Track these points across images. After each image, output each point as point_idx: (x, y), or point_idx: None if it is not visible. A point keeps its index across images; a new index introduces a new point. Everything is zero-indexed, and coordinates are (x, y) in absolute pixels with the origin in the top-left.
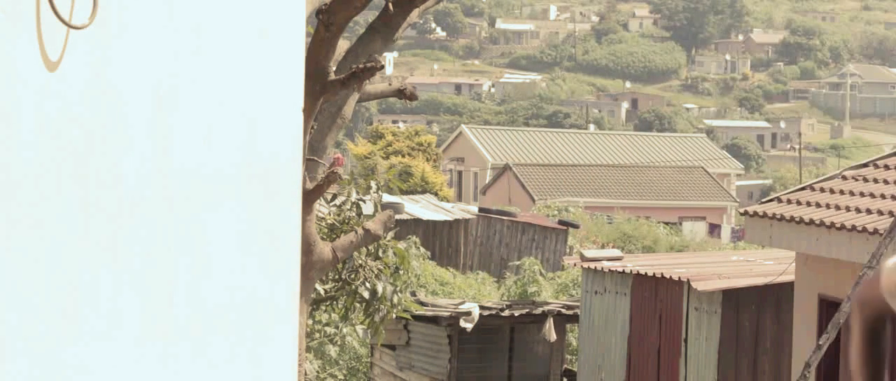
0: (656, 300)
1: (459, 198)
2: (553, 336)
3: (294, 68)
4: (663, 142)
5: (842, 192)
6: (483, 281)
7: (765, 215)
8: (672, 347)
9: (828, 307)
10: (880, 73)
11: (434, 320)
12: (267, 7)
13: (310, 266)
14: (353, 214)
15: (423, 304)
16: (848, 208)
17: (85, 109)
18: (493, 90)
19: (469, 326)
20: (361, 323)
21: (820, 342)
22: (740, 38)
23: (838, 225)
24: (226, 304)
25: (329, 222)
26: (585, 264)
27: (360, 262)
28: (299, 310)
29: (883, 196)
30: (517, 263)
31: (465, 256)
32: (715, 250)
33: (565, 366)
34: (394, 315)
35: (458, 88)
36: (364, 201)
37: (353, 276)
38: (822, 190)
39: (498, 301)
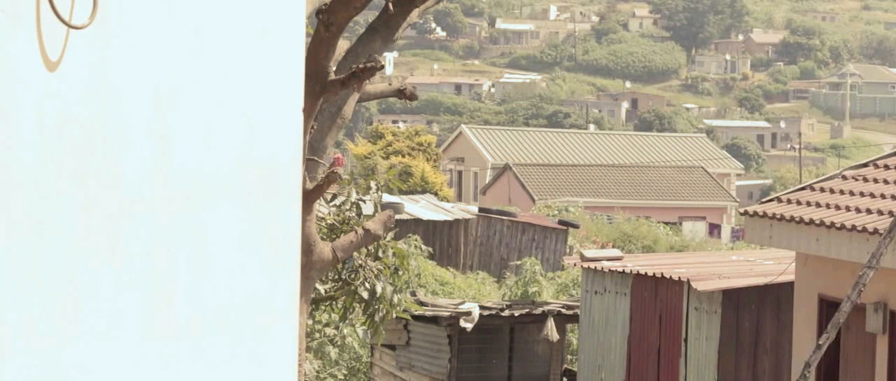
0: (656, 300)
1: (459, 198)
2: (555, 336)
3: (294, 68)
4: (663, 142)
5: (842, 192)
6: (483, 281)
7: (765, 215)
8: (672, 347)
9: (828, 307)
10: (880, 73)
11: (434, 320)
12: (267, 7)
13: (310, 266)
14: (353, 214)
15: (423, 304)
16: (848, 208)
17: (85, 109)
18: (493, 90)
19: (469, 326)
20: (362, 324)
21: (820, 342)
22: (740, 38)
23: (838, 225)
24: (226, 304)
25: (329, 222)
26: (585, 264)
27: (359, 262)
28: (299, 310)
29: (883, 196)
30: (517, 263)
31: (465, 256)
32: (715, 250)
33: (565, 366)
34: (394, 315)
35: (458, 88)
36: (364, 201)
37: (353, 276)
38: (822, 190)
39: (498, 301)
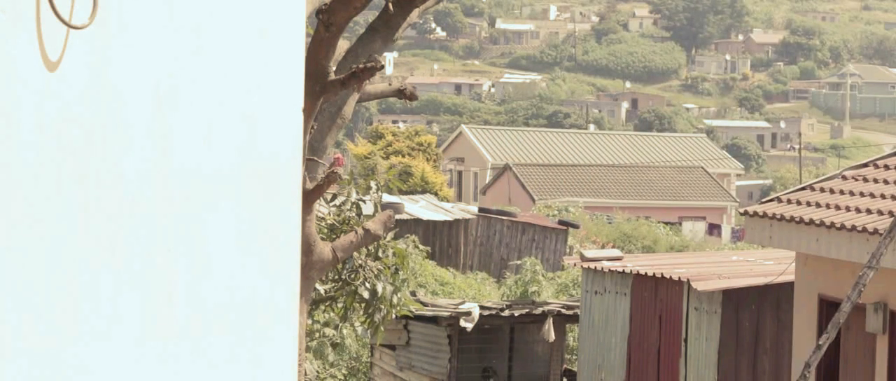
0: (656, 300)
1: (459, 198)
2: (552, 337)
3: (294, 68)
4: (663, 142)
5: (842, 192)
6: (483, 281)
7: (765, 215)
8: (672, 347)
9: (828, 307)
10: (880, 73)
11: (434, 320)
12: (267, 7)
13: (310, 266)
14: (353, 214)
15: (423, 304)
16: (848, 208)
17: (85, 109)
18: (493, 90)
19: (469, 326)
20: (362, 323)
21: (820, 342)
22: (740, 38)
23: (838, 225)
24: (226, 304)
25: (329, 222)
26: (585, 264)
27: (359, 262)
28: (299, 310)
29: (883, 196)
30: (517, 263)
31: (465, 256)
32: (715, 250)
33: (565, 366)
34: (394, 315)
35: (458, 88)
36: (364, 201)
37: (353, 276)
38: (822, 190)
39: (498, 301)
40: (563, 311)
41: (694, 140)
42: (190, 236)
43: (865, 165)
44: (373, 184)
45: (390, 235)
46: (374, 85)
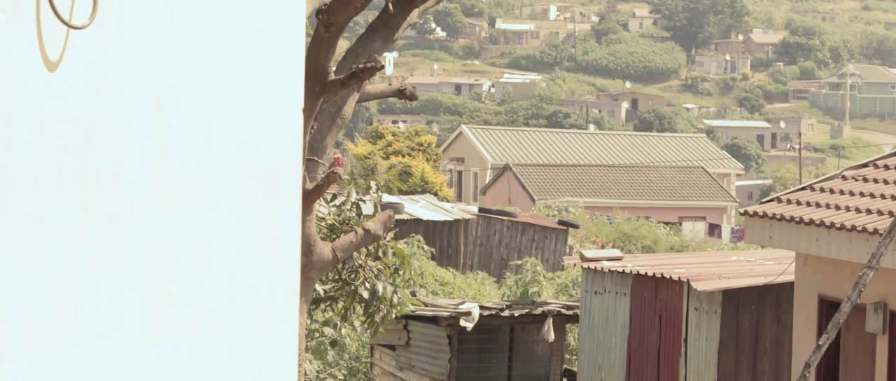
0: (656, 301)
1: (459, 198)
2: (551, 337)
3: (294, 68)
4: (663, 142)
5: (842, 192)
6: (483, 281)
7: (765, 216)
8: (672, 347)
9: (828, 307)
10: (880, 73)
11: (434, 320)
12: (267, 7)
13: (310, 266)
14: (353, 214)
15: (424, 304)
16: (848, 208)
17: (85, 109)
18: (492, 90)
19: (469, 326)
20: (362, 323)
21: (820, 342)
22: (740, 38)
23: (838, 225)
24: (226, 304)
25: (329, 222)
26: (585, 265)
27: (359, 262)
28: (299, 310)
29: (883, 196)
30: (517, 263)
31: (465, 256)
32: (715, 250)
33: (565, 366)
34: (394, 316)
35: (457, 88)
36: (364, 202)
37: (353, 276)
38: (822, 190)
39: (498, 301)
40: (563, 311)
41: (694, 140)
42: (190, 237)
43: (865, 165)
44: (373, 184)
45: (390, 235)
46: (374, 85)
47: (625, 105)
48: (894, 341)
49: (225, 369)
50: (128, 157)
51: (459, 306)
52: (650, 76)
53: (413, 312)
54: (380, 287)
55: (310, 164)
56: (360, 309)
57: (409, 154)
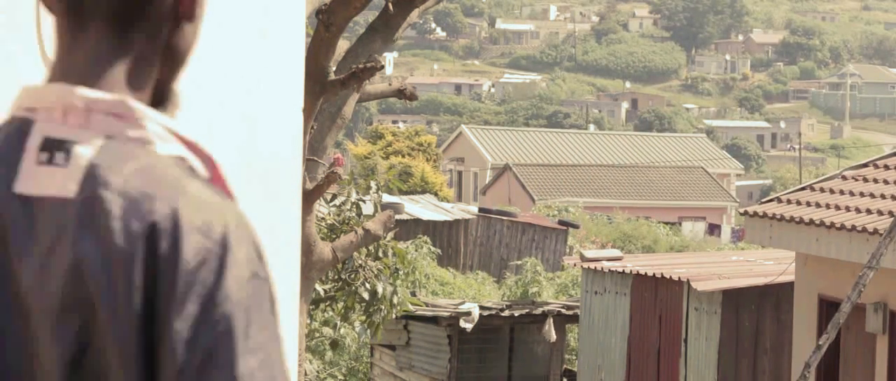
0: (656, 301)
1: (459, 198)
2: (553, 336)
3: (294, 68)
4: (663, 142)
5: (842, 192)
6: (483, 281)
7: (765, 216)
8: (672, 347)
9: (828, 308)
10: (880, 73)
11: (434, 320)
12: (266, 7)
13: (310, 267)
14: (353, 214)
15: (424, 304)
16: (848, 209)
17: None
18: (493, 90)
19: (469, 326)
20: (362, 323)
21: (820, 343)
22: (740, 38)
23: (838, 225)
24: None
25: (329, 222)
26: (585, 264)
27: (359, 262)
28: (299, 310)
29: (883, 196)
30: (517, 263)
31: (465, 256)
32: (715, 250)
33: (565, 366)
34: (394, 316)
35: (457, 88)
36: (364, 202)
37: (353, 276)
38: (822, 190)
39: (498, 301)
40: (563, 311)
41: (694, 140)
42: None
43: (865, 165)
44: (373, 184)
45: (390, 235)
46: (374, 85)
47: (625, 105)
48: (894, 341)
49: None
50: None
51: (459, 307)
52: (650, 76)
53: (413, 312)
54: (380, 287)
55: (310, 164)
56: (360, 309)
57: (409, 154)
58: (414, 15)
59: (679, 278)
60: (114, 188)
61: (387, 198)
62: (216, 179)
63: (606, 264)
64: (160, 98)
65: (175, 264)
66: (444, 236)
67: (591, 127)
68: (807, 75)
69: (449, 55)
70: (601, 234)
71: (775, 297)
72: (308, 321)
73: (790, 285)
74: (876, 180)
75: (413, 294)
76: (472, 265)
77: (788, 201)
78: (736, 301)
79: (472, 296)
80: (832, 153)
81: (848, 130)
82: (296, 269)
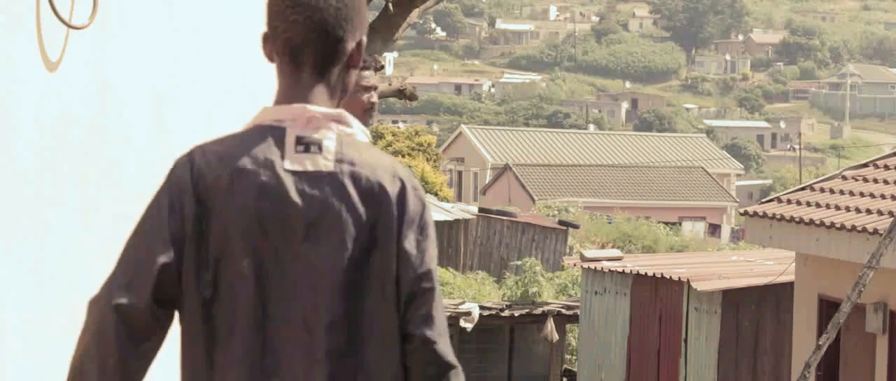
0: (656, 300)
1: (459, 198)
2: (555, 336)
3: None
4: (663, 142)
5: (842, 192)
6: (483, 281)
7: (765, 216)
8: (672, 347)
9: (828, 308)
10: (880, 73)
11: None
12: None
13: None
14: None
15: None
16: (848, 209)
17: (85, 109)
18: (493, 90)
19: (469, 326)
20: None
21: (820, 343)
22: (740, 38)
23: (838, 225)
24: None
25: None
26: (585, 265)
27: None
28: None
29: (883, 196)
30: (517, 263)
31: (465, 256)
32: (715, 250)
33: (565, 366)
34: None
35: (457, 88)
36: None
37: None
38: (822, 190)
39: (498, 301)
40: (563, 311)
41: (694, 140)
42: None
43: (865, 165)
44: None
45: None
46: None
47: (625, 105)
48: (894, 341)
49: None
50: (128, 156)
51: (459, 307)
52: (650, 76)
53: None
54: None
55: None
56: None
57: (409, 154)
58: (414, 15)
59: (679, 278)
60: (359, 163)
61: None
62: None
63: (606, 264)
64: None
65: (405, 206)
66: (444, 235)
67: (591, 127)
68: (807, 75)
69: (449, 55)
70: (601, 234)
71: (775, 297)
72: None
73: (790, 285)
74: (876, 180)
75: None
76: (472, 265)
77: (788, 201)
78: (736, 301)
79: (472, 296)
80: (832, 153)
81: (848, 130)
82: None
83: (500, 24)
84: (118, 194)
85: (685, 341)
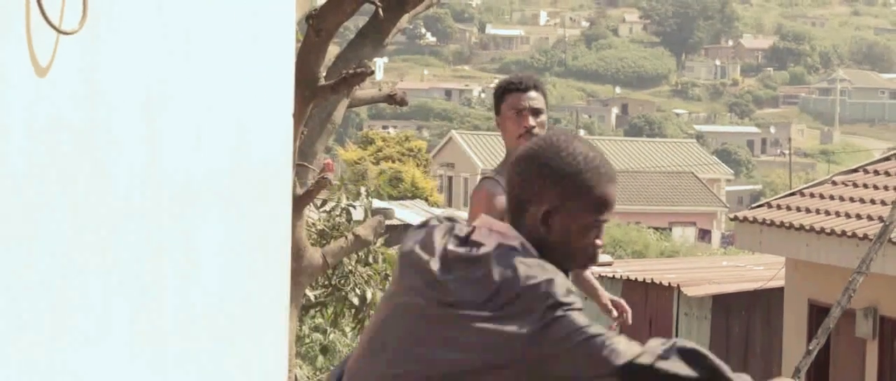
0: (646, 306)
1: (450, 203)
2: None
3: (284, 74)
4: (653, 147)
5: (831, 197)
6: None
7: (755, 221)
8: None
9: (818, 313)
10: (870, 78)
11: None
12: (257, 12)
13: (300, 272)
14: (343, 219)
15: None
16: (838, 214)
17: (75, 115)
18: (483, 95)
19: None
20: (352, 329)
21: (810, 348)
22: (730, 43)
23: (828, 230)
24: (216, 309)
25: (319, 227)
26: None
27: (350, 268)
28: (289, 316)
29: (873, 201)
30: None
31: None
32: (705, 255)
33: None
34: None
35: (448, 93)
36: (354, 207)
37: (343, 282)
38: (812, 195)
39: None
40: None
41: (684, 145)
42: (180, 242)
43: (855, 170)
44: (363, 189)
45: (380, 240)
46: (365, 90)
47: (615, 110)
48: (884, 346)
49: (215, 374)
50: (118, 162)
51: None
52: (640, 81)
53: None
54: (370, 293)
55: (300, 169)
56: (350, 315)
57: (400, 160)
58: (404, 20)
59: (669, 283)
60: (510, 266)
61: (377, 203)
62: None
63: (596, 270)
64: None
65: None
66: None
67: (582, 132)
68: (797, 81)
69: (439, 60)
70: None
71: (765, 302)
72: (299, 327)
73: (780, 290)
74: (866, 186)
75: None
76: None
77: (778, 207)
78: (726, 306)
79: None
80: (822, 158)
81: (838, 135)
82: (286, 274)
83: (491, 30)
84: (108, 199)
85: None
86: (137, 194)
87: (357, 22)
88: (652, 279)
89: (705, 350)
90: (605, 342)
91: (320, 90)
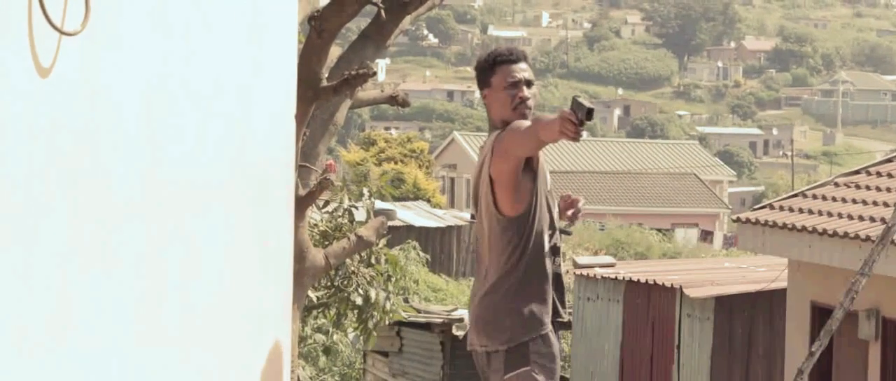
0: (649, 307)
1: (452, 205)
2: None
3: (286, 75)
4: (656, 149)
5: (834, 199)
6: None
7: (757, 222)
8: (665, 354)
9: (820, 314)
10: (872, 80)
11: (427, 326)
12: (259, 13)
13: (302, 273)
14: (346, 220)
15: (417, 310)
16: (840, 215)
17: (77, 116)
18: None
19: (462, 332)
20: (354, 330)
21: (812, 349)
22: (732, 45)
23: (830, 232)
24: (219, 310)
25: (321, 228)
26: (578, 271)
27: (352, 269)
28: (292, 316)
29: (875, 203)
30: None
31: (457, 262)
32: (707, 256)
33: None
34: (386, 322)
35: (450, 94)
36: (356, 208)
37: (345, 282)
38: (815, 197)
39: None
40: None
41: (686, 147)
42: (182, 243)
43: (857, 172)
44: (365, 190)
45: (383, 241)
46: (367, 91)
47: (617, 112)
48: (887, 347)
49: (218, 376)
50: (120, 163)
51: (452, 313)
52: (642, 83)
53: (406, 318)
54: (372, 294)
55: (302, 170)
56: (352, 316)
57: (402, 161)
58: (406, 21)
59: (672, 284)
60: None
61: (379, 204)
62: None
63: (599, 271)
64: None
65: None
66: (437, 242)
67: (584, 134)
68: (799, 82)
69: (441, 62)
70: (594, 240)
71: (768, 303)
72: (301, 328)
73: (783, 291)
74: (868, 187)
75: (406, 301)
76: (464, 272)
77: (781, 208)
78: (728, 308)
79: (464, 302)
80: (824, 160)
81: (840, 136)
82: (288, 275)
83: (493, 31)
84: (110, 200)
85: (678, 347)
86: (139, 195)
87: (359, 23)
88: (654, 281)
89: None
90: None
91: (322, 91)
